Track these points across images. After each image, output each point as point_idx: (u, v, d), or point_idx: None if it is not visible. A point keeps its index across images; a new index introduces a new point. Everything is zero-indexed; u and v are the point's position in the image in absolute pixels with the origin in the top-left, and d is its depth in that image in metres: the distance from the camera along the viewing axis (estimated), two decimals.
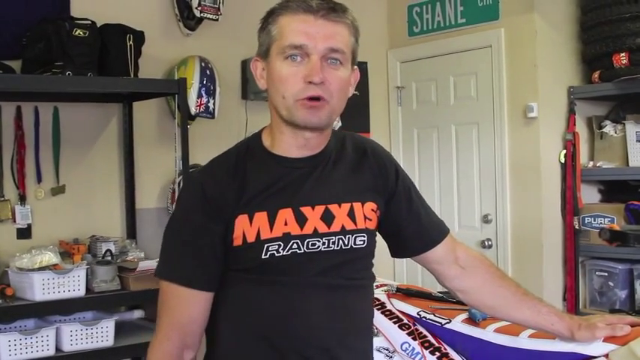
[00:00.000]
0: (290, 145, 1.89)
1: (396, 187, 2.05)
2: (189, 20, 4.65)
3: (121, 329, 3.96)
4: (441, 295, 2.57)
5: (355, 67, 1.93)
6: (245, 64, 4.85)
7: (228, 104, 4.79)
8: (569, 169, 4.84)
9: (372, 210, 1.98)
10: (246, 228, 1.84)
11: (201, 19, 4.61)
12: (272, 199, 1.87)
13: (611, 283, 4.68)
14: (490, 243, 5.03)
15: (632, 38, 4.57)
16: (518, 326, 2.32)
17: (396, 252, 2.12)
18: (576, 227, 4.80)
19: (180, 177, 4.01)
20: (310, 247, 1.87)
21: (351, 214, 1.93)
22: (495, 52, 4.99)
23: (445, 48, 5.29)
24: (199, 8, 4.51)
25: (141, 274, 3.83)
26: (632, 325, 2.06)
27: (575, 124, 4.87)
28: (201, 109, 4.44)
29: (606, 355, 2.03)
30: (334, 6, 1.85)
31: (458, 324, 2.38)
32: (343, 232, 1.91)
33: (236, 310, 1.89)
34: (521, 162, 4.89)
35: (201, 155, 4.51)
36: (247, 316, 1.88)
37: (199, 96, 4.42)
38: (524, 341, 2.23)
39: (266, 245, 1.84)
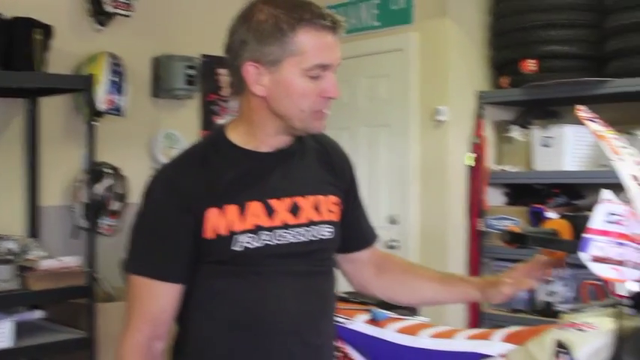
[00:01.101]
0: (266, 144, 1.94)
1: (351, 185, 2.12)
2: (101, 15, 4.59)
3: (21, 330, 3.87)
4: (343, 295, 2.58)
5: None
6: (157, 62, 4.80)
7: (138, 102, 4.74)
8: (475, 171, 4.92)
9: (334, 203, 2.04)
10: (217, 221, 1.87)
11: (112, 15, 4.55)
12: (241, 191, 1.89)
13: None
14: (396, 244, 5.08)
15: (542, 45, 4.67)
16: (419, 326, 2.36)
17: None
18: (481, 229, 4.88)
19: (88, 174, 3.95)
20: (280, 238, 1.91)
21: (317, 207, 1.98)
22: (407, 56, 5.04)
23: (358, 50, 5.31)
24: (113, 4, 4.44)
25: (43, 273, 3.75)
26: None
27: (483, 128, 4.95)
28: (111, 107, 4.38)
29: (504, 355, 2.06)
30: (339, 21, 1.90)
31: (359, 324, 2.40)
32: (310, 224, 1.96)
33: (209, 300, 1.92)
34: (429, 164, 4.95)
35: (110, 153, 4.45)
36: (220, 305, 1.91)
37: (108, 93, 4.36)
38: (424, 341, 2.26)
39: (238, 237, 1.87)
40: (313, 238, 1.96)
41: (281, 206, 1.92)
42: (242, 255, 1.87)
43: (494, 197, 5.00)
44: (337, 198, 2.04)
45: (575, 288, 4.53)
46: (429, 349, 2.23)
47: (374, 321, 2.40)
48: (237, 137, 1.94)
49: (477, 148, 4.92)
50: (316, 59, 1.85)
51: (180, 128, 4.93)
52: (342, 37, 1.91)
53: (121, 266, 4.21)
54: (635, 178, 2.67)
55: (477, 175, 4.91)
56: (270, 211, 1.91)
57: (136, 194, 4.41)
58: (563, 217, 1.82)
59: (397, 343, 2.29)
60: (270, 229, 1.90)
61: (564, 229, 1.75)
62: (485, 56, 5.05)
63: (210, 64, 5.00)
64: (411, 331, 2.31)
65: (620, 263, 1.64)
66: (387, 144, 5.18)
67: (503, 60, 4.92)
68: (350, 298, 2.53)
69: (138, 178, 4.51)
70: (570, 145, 4.67)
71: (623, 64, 4.39)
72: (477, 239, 4.89)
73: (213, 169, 1.90)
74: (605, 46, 4.54)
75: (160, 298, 1.89)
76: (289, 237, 1.92)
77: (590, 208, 4.59)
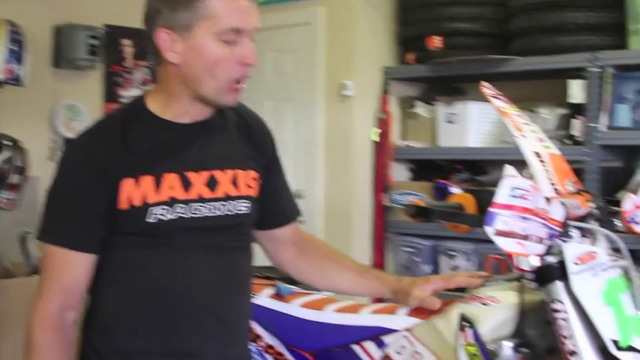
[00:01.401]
0: (184, 114, 1.89)
1: (272, 160, 2.09)
2: None
3: None
4: None
5: None
6: (58, 31, 4.66)
7: (39, 72, 4.58)
8: (380, 147, 4.94)
9: (254, 178, 2.00)
10: (132, 191, 1.84)
11: None
12: (158, 162, 1.86)
13: (416, 259, 4.82)
14: (301, 219, 5.06)
15: (447, 22, 4.71)
16: (324, 300, 2.34)
17: None
18: (386, 204, 4.92)
19: None
20: (195, 211, 1.88)
21: (234, 181, 1.95)
22: (314, 30, 5.02)
23: (265, 23, 5.18)
24: None
25: None
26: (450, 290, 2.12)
27: (388, 104, 4.97)
28: (9, 76, 4.23)
29: (408, 329, 2.06)
30: None
31: (264, 299, 2.37)
32: (227, 198, 1.93)
33: (122, 272, 1.89)
34: (334, 139, 4.95)
35: (9, 125, 4.31)
36: (134, 278, 1.89)
37: (7, 62, 4.21)
38: (329, 315, 2.24)
39: (152, 209, 1.84)
40: (229, 213, 1.93)
41: (198, 179, 1.89)
42: (155, 227, 1.85)
43: (398, 173, 5.04)
44: (257, 173, 2.02)
45: (477, 262, 4.60)
46: (334, 324, 2.21)
47: (278, 296, 2.37)
48: (156, 107, 1.90)
49: (382, 124, 4.95)
50: (229, 22, 1.81)
51: (82, 99, 4.80)
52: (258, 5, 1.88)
53: (20, 240, 4.11)
54: (537, 154, 2.71)
55: (381, 151, 4.93)
56: (186, 184, 1.88)
57: (35, 167, 4.29)
58: (467, 191, 1.83)
59: (302, 318, 2.27)
60: (185, 201, 1.87)
61: (469, 204, 1.76)
62: (392, 32, 5.07)
63: (113, 34, 4.88)
64: (316, 305, 2.29)
65: (524, 237, 1.65)
66: (292, 118, 5.16)
67: (409, 36, 4.95)
68: (254, 273, 2.49)
69: (38, 151, 4.42)
70: (474, 122, 4.74)
71: (527, 43, 4.47)
72: (382, 214, 4.93)
73: (131, 139, 1.86)
74: (510, 24, 4.61)
75: (73, 269, 1.87)
76: (204, 210, 1.89)
77: (493, 184, 4.65)
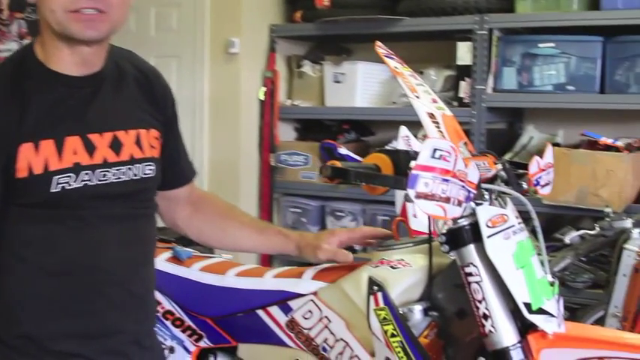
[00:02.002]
0: (67, 62, 1.72)
1: (171, 118, 1.98)
2: None
3: None
4: None
5: None
6: None
7: None
8: (267, 106, 4.86)
9: (156, 138, 1.88)
10: (32, 158, 1.66)
11: None
12: (58, 124, 1.69)
13: (303, 219, 4.79)
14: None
15: None
16: (225, 264, 2.27)
17: None
18: (272, 164, 4.85)
19: None
20: (101, 178, 1.74)
21: (138, 142, 1.82)
22: None
23: None
24: None
25: None
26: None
27: (275, 63, 4.88)
28: None
29: (315, 293, 2.02)
30: None
31: (161, 263, 2.27)
32: (132, 161, 1.80)
33: (23, 249, 1.71)
34: (220, 97, 4.84)
35: None
36: (38, 254, 1.71)
37: None
38: (231, 280, 2.17)
39: (55, 177, 1.68)
40: (135, 177, 1.80)
41: (101, 142, 1.75)
42: (59, 197, 1.69)
43: (284, 132, 4.99)
44: (158, 132, 1.89)
45: (364, 223, 4.60)
46: (237, 289, 2.14)
47: (176, 259, 2.28)
48: (43, 56, 1.74)
49: (269, 83, 4.86)
50: None
51: None
52: None
53: None
54: (431, 115, 2.69)
55: (268, 110, 4.85)
56: (90, 148, 1.73)
57: None
58: (381, 151, 1.78)
59: (202, 283, 2.19)
60: (90, 167, 1.72)
61: (385, 164, 1.71)
62: None
63: None
64: (216, 269, 2.21)
65: (445, 200, 1.61)
66: (177, 75, 4.98)
67: None
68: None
69: None
70: (361, 82, 4.71)
71: (416, 4, 4.46)
72: (269, 174, 4.86)
73: (25, 97, 1.68)
74: None
75: None
76: (110, 176, 1.75)
77: (380, 145, 4.69)
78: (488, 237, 1.77)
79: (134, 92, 1.87)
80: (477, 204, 1.80)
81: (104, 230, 1.76)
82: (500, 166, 2.10)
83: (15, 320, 1.73)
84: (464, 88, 4.39)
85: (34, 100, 1.69)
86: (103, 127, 1.76)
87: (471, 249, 1.80)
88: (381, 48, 2.91)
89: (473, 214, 1.80)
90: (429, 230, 1.95)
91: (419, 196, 1.58)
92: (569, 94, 4.14)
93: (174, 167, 2.03)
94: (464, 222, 1.81)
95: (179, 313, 2.20)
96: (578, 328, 1.99)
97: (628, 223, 3.02)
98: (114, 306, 1.78)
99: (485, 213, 1.79)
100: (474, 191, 1.75)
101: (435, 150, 1.60)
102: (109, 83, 1.81)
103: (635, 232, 2.96)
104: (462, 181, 1.66)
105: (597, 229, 3.15)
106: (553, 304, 1.83)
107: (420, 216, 2.47)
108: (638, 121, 4.25)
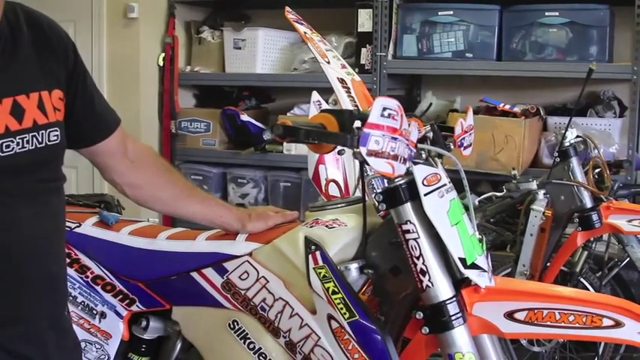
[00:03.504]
0: None
1: (75, 70, 1.80)
2: None
3: None
4: (67, 197, 2.39)
5: None
6: None
7: None
8: (167, 72, 4.81)
9: (60, 99, 1.73)
10: None
11: None
12: None
13: (205, 187, 4.77)
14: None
15: None
16: (154, 228, 2.25)
17: (69, 143, 1.84)
18: (173, 131, 4.81)
19: None
20: (5, 149, 1.60)
21: (41, 106, 1.68)
22: None
23: None
24: None
25: None
26: None
27: (174, 28, 4.82)
28: None
29: (250, 254, 2.02)
30: None
31: (89, 227, 2.23)
32: (36, 127, 1.66)
33: None
34: (120, 63, 4.75)
35: None
36: None
37: None
38: (162, 243, 2.15)
39: None
40: (40, 145, 1.67)
41: (2, 109, 1.61)
42: None
43: (184, 99, 4.95)
44: (61, 92, 1.75)
45: (265, 189, 4.62)
46: (169, 251, 2.12)
47: (104, 224, 2.24)
48: None
49: (169, 48, 4.80)
50: None
51: None
52: None
53: None
54: (341, 81, 2.73)
55: (168, 76, 4.79)
56: None
57: None
58: (326, 111, 1.79)
59: (132, 247, 2.16)
60: None
61: (330, 124, 1.72)
62: None
63: None
64: (146, 233, 2.18)
65: (394, 158, 1.64)
66: (74, 41, 4.86)
67: None
68: (73, 201, 2.34)
69: None
70: (261, 49, 4.70)
71: None
72: (169, 141, 4.82)
73: None
74: None
75: None
76: (14, 146, 1.62)
77: (280, 111, 4.69)
78: (425, 195, 1.81)
79: (31, 51, 1.71)
80: (415, 163, 1.83)
81: (14, 207, 1.65)
82: (428, 127, 2.16)
83: None
84: (365, 55, 4.44)
85: None
86: (2, 92, 1.63)
87: (407, 207, 1.84)
88: (290, 14, 2.92)
89: (408, 173, 1.84)
90: (363, 190, 1.98)
91: (370, 153, 1.60)
92: (468, 61, 4.25)
93: (92, 118, 1.89)
94: (400, 181, 1.84)
95: (109, 277, 2.17)
96: (507, 282, 2.07)
97: (533, 185, 3.14)
98: (29, 287, 1.68)
99: (421, 172, 1.83)
100: (415, 150, 1.79)
101: (384, 108, 1.62)
102: (3, 44, 1.66)
103: (541, 193, 3.08)
104: (407, 140, 1.70)
105: (504, 190, 3.25)
106: (483, 259, 1.89)
107: (329, 179, 2.52)
108: (534, 88, 4.40)
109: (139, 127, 4.73)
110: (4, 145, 1.61)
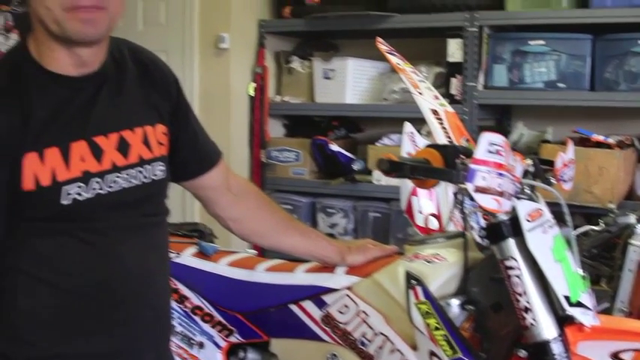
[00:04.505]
0: (65, 64, 1.62)
1: (178, 104, 1.85)
2: None
3: None
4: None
5: None
6: None
7: None
8: (257, 102, 4.85)
9: (163, 133, 1.78)
10: (38, 169, 1.56)
11: None
12: (61, 130, 1.59)
13: (294, 216, 4.77)
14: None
15: None
16: (252, 259, 2.27)
17: (172, 177, 1.88)
18: (263, 160, 4.84)
19: None
20: (112, 185, 1.64)
21: (146, 141, 1.72)
22: None
23: None
24: None
25: None
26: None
27: (264, 58, 4.87)
28: None
29: (350, 288, 2.02)
30: None
31: (188, 258, 2.26)
32: (141, 162, 1.70)
33: (33, 266, 1.61)
34: (210, 93, 4.81)
35: None
36: (47, 270, 1.61)
37: None
38: (261, 275, 2.17)
39: (65, 188, 1.58)
40: (146, 181, 1.71)
41: (108, 144, 1.65)
42: (70, 209, 1.59)
43: (274, 129, 4.98)
44: (165, 126, 1.79)
45: (355, 220, 4.61)
46: (268, 284, 2.14)
47: (203, 254, 2.27)
48: (37, 55, 1.63)
49: (259, 78, 4.85)
50: None
51: None
52: None
53: None
54: (434, 112, 2.72)
55: (258, 106, 4.84)
56: (97, 152, 1.63)
57: None
58: (430, 146, 1.79)
59: (231, 278, 2.19)
60: (99, 174, 1.63)
61: (435, 159, 1.72)
62: None
63: None
64: (245, 264, 2.21)
65: (499, 194, 1.63)
66: None
67: None
68: (173, 231, 2.37)
69: None
70: (351, 78, 4.71)
71: (404, 0, 4.47)
72: (259, 171, 4.85)
73: (25, 103, 1.57)
74: None
75: None
76: (121, 182, 1.66)
77: (369, 141, 4.69)
78: (529, 231, 1.79)
79: (135, 87, 1.76)
80: (518, 198, 1.82)
81: (119, 242, 1.68)
82: (530, 162, 2.13)
83: (26, 341, 1.63)
84: (455, 85, 4.41)
85: (35, 105, 1.59)
86: (108, 128, 1.67)
87: (511, 243, 1.82)
88: (382, 44, 2.92)
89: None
90: (465, 225, 1.97)
91: (476, 189, 1.59)
92: (560, 91, 4.19)
93: (195, 152, 1.94)
94: (503, 216, 1.83)
95: (208, 308, 2.19)
96: (612, 321, 2.02)
97: (632, 218, 3.06)
98: (133, 322, 1.71)
99: (525, 207, 1.81)
100: (520, 186, 1.77)
101: (490, 144, 1.61)
102: (110, 81, 1.71)
103: (639, 227, 3.00)
104: (513, 175, 1.68)
105: (601, 224, 3.18)
106: (587, 297, 1.86)
107: (425, 212, 2.50)
108: (628, 118, 4.31)
109: (230, 156, 4.77)
110: (111, 180, 1.65)
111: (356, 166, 4.58)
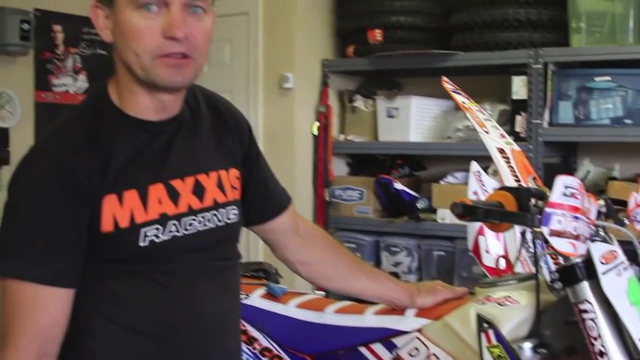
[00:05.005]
0: (146, 108, 1.67)
1: (250, 150, 1.90)
2: None
3: None
4: None
5: (213, 8, 1.72)
6: None
7: None
8: (321, 141, 4.88)
9: (237, 177, 1.82)
10: (117, 210, 1.60)
11: None
12: (139, 173, 1.63)
13: (359, 254, 4.78)
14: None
15: (387, 15, 4.67)
16: (321, 301, 2.26)
17: (243, 221, 1.91)
18: (327, 199, 4.86)
19: None
20: (188, 227, 1.67)
21: (220, 185, 1.76)
22: (252, 20, 4.91)
23: None
24: None
25: None
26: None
27: (328, 97, 4.91)
28: None
29: (420, 330, 2.01)
30: None
31: (257, 299, 2.27)
32: (216, 206, 1.74)
33: (107, 306, 1.64)
34: (275, 132, 4.86)
35: None
36: (122, 311, 1.64)
37: None
38: (330, 317, 2.16)
39: (143, 230, 1.62)
40: (220, 224, 1.75)
41: (185, 188, 1.69)
42: (147, 251, 1.63)
43: (338, 167, 5.00)
44: (238, 171, 1.83)
45: (419, 258, 4.59)
46: (337, 326, 2.13)
47: (271, 296, 2.27)
48: (117, 99, 1.68)
49: (323, 117, 4.88)
50: None
51: (12, 87, 4.54)
52: None
53: None
54: (501, 151, 2.69)
55: (322, 145, 4.86)
56: (173, 195, 1.67)
57: None
58: (502, 189, 1.78)
59: (300, 319, 2.18)
60: (176, 217, 1.66)
61: (508, 202, 1.70)
62: (331, 24, 5.01)
63: (44, 19, 4.65)
64: (314, 306, 2.20)
65: (575, 237, 1.61)
66: None
67: (348, 29, 4.90)
68: (241, 272, 2.39)
69: None
70: (415, 117, 4.71)
71: (469, 38, 4.47)
72: (323, 209, 4.86)
73: (105, 145, 1.61)
74: (451, 19, 4.60)
75: (48, 308, 1.57)
76: (196, 224, 1.70)
77: (432, 179, 4.67)
78: (603, 274, 1.76)
79: (209, 132, 1.80)
80: (592, 240, 1.79)
81: (193, 284, 1.70)
82: (602, 202, 2.10)
83: None
84: (519, 122, 4.39)
85: (115, 149, 1.63)
86: (185, 171, 1.71)
87: (585, 286, 1.79)
88: (447, 83, 2.92)
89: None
90: (536, 268, 1.94)
91: (552, 233, 1.58)
92: (627, 127, 4.13)
93: (266, 197, 1.98)
94: (577, 259, 1.80)
95: (277, 350, 2.19)
96: None
97: None
98: None
99: (599, 250, 1.78)
100: (594, 228, 1.75)
101: (566, 187, 1.60)
102: (185, 126, 1.75)
103: None
104: (588, 218, 1.66)
105: None
106: None
107: (492, 252, 2.47)
108: None
109: (294, 195, 4.72)
110: (187, 223, 1.68)
111: (420, 205, 4.56)
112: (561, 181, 1.60)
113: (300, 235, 2.08)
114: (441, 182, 4.59)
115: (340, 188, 4.84)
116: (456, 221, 4.05)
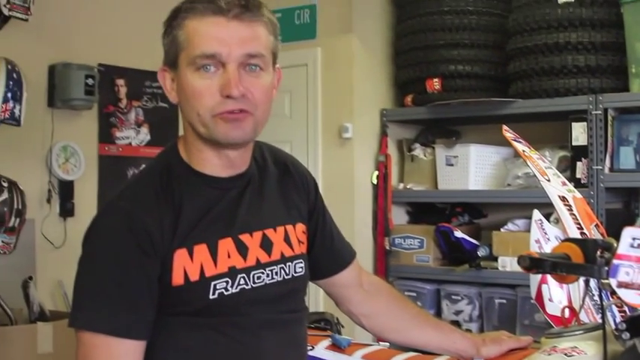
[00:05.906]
0: (214, 165, 1.72)
1: (315, 205, 1.94)
2: None
3: None
4: None
5: (277, 65, 1.78)
6: (53, 69, 4.54)
7: (33, 111, 4.41)
8: (380, 190, 4.90)
9: (303, 232, 1.85)
10: (187, 264, 1.63)
11: (7, 18, 4.25)
12: (210, 228, 1.67)
13: (419, 303, 4.76)
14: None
15: (445, 65, 4.71)
16: (387, 352, 2.27)
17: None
18: (387, 248, 4.86)
19: None
20: (256, 280, 1.70)
21: (287, 239, 1.79)
22: (311, 71, 4.98)
23: None
24: (8, 6, 4.15)
25: None
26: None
27: (387, 146, 4.94)
28: (7, 116, 4.08)
29: None
30: (247, 3, 1.65)
31: (322, 350, 2.28)
32: (283, 260, 1.76)
33: (178, 356, 1.66)
34: (334, 182, 4.89)
35: (3, 164, 4.17)
36: None
37: (5, 101, 4.06)
38: None
39: (213, 283, 1.64)
40: (287, 277, 1.77)
41: (253, 242, 1.72)
42: (216, 304, 1.65)
43: (397, 216, 5.01)
44: (304, 225, 1.87)
45: (480, 306, 4.56)
46: None
47: (336, 347, 2.28)
48: (187, 157, 1.73)
49: (382, 166, 4.90)
50: (200, 49, 1.63)
51: (77, 140, 4.67)
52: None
53: (22, 286, 3.95)
54: (563, 199, 2.68)
55: (382, 194, 4.88)
56: (242, 250, 1.70)
57: (30, 209, 4.15)
58: (568, 240, 1.78)
59: None
60: (245, 270, 1.69)
61: (575, 253, 1.70)
62: (390, 73, 5.06)
63: (108, 73, 4.78)
64: (380, 357, 2.21)
65: None
66: None
67: (406, 78, 4.94)
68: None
69: (33, 192, 4.28)
70: (474, 165, 4.71)
71: (527, 85, 4.47)
72: (384, 258, 4.87)
73: (176, 202, 1.66)
74: (509, 67, 4.61)
75: None
76: (264, 277, 1.72)
77: (493, 227, 4.64)
78: None
79: (276, 187, 1.83)
80: None
81: (261, 337, 1.71)
82: None
83: None
84: (580, 168, 4.36)
85: (185, 204, 1.66)
86: (253, 226, 1.73)
87: None
88: (508, 132, 2.93)
89: None
90: (603, 319, 1.93)
91: (620, 285, 1.57)
92: None
93: (331, 251, 2.00)
94: None
95: None
96: None
97: None
98: None
99: None
100: None
101: (633, 238, 1.60)
102: (253, 182, 1.78)
103: None
104: None
105: None
106: None
107: (555, 300, 2.45)
108: None
109: (354, 244, 4.70)
110: (255, 276, 1.71)
111: (481, 252, 4.55)
112: (628, 233, 1.60)
113: (364, 289, 2.08)
114: (502, 230, 4.57)
115: (400, 237, 4.84)
116: (517, 268, 4.02)
